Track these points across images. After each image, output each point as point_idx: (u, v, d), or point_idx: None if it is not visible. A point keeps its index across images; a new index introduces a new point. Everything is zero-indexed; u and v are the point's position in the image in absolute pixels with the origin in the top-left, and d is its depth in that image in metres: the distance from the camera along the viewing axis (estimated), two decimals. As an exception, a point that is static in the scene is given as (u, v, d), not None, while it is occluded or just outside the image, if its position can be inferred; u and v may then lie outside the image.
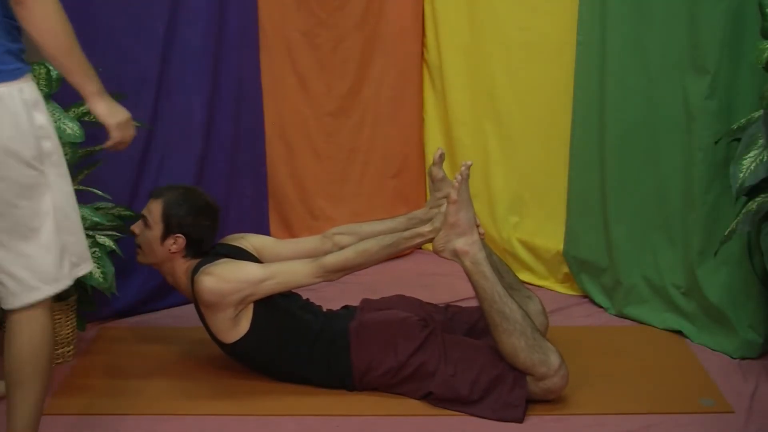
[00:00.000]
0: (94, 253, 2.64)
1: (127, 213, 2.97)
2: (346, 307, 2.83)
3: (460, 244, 2.50)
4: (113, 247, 2.72)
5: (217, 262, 2.60)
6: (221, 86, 3.33)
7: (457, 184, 2.48)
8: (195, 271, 2.59)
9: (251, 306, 2.57)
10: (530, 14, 3.37)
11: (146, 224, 2.68)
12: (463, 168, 2.48)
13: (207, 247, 2.71)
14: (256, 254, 2.78)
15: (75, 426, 2.45)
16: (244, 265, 2.59)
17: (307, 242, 2.86)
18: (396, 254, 2.61)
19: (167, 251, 2.66)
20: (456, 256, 2.51)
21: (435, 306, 2.86)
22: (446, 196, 2.62)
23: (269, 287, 2.55)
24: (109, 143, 2.20)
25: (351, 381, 2.62)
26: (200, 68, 3.25)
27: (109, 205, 2.96)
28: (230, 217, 3.47)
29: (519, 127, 3.51)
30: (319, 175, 3.74)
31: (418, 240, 2.54)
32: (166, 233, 2.65)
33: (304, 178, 3.71)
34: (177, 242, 2.65)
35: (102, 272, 2.65)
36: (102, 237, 2.72)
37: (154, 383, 2.71)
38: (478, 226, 2.55)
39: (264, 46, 3.49)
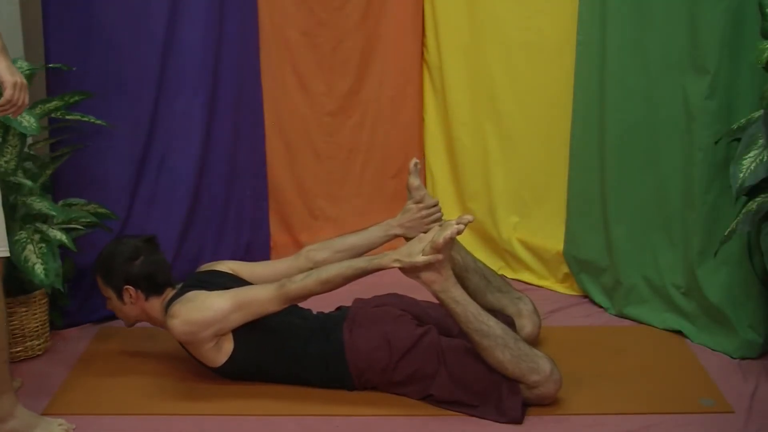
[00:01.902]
0: (40, 248, 2.60)
1: (103, 210, 2.97)
2: (339, 308, 2.84)
3: (426, 275, 2.49)
4: (65, 240, 2.67)
5: (182, 297, 2.59)
6: (221, 86, 3.33)
7: (448, 236, 2.41)
8: (167, 309, 2.61)
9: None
10: (530, 14, 3.37)
11: (107, 298, 2.74)
12: (461, 225, 2.42)
13: (165, 278, 2.71)
14: (235, 274, 2.79)
15: (75, 426, 2.45)
16: (211, 300, 2.56)
17: (283, 263, 2.88)
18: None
19: (132, 306, 2.70)
20: (421, 282, 2.50)
21: (430, 303, 2.85)
22: (425, 207, 2.76)
23: (238, 319, 2.55)
24: (3, 100, 2.21)
25: (350, 380, 2.62)
26: (200, 68, 3.25)
27: (82, 201, 2.96)
28: (230, 217, 3.48)
29: (519, 127, 3.51)
30: (319, 175, 3.74)
31: (381, 270, 2.52)
32: (119, 294, 2.69)
33: (304, 178, 3.71)
34: (130, 293, 2.67)
35: (44, 268, 2.58)
36: (54, 230, 2.67)
37: (154, 383, 2.71)
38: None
39: (264, 46, 3.49)
